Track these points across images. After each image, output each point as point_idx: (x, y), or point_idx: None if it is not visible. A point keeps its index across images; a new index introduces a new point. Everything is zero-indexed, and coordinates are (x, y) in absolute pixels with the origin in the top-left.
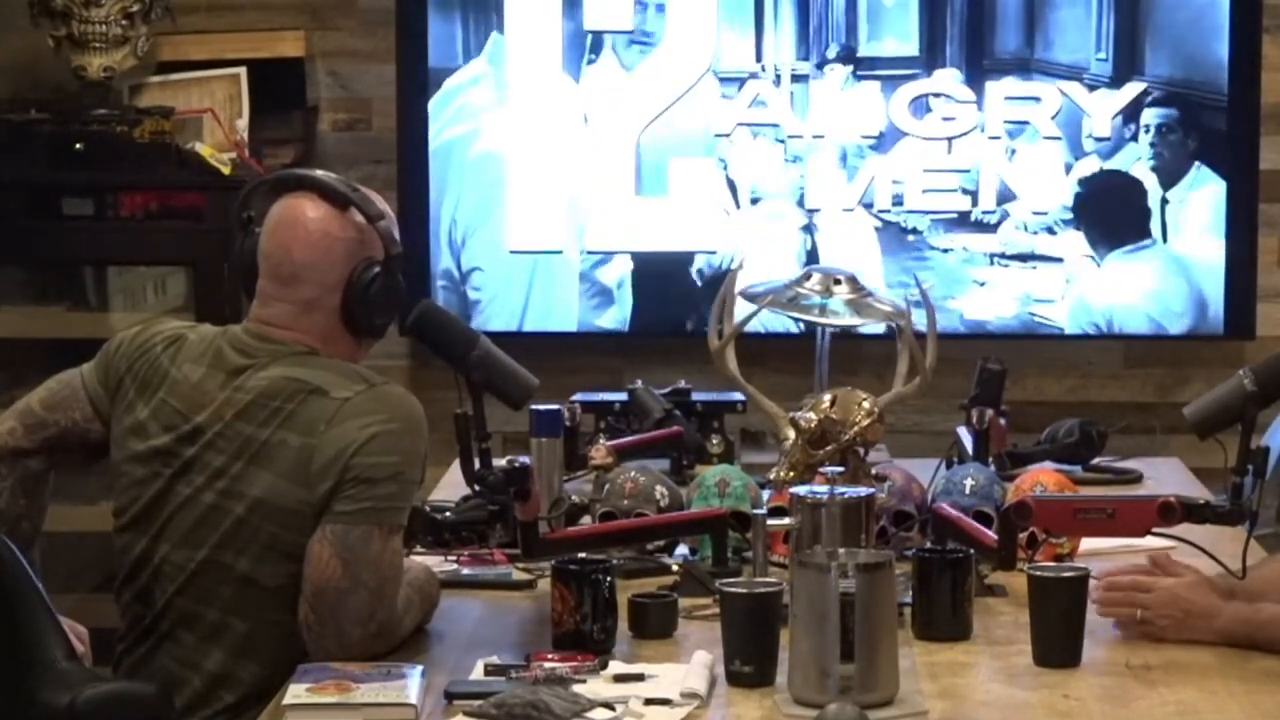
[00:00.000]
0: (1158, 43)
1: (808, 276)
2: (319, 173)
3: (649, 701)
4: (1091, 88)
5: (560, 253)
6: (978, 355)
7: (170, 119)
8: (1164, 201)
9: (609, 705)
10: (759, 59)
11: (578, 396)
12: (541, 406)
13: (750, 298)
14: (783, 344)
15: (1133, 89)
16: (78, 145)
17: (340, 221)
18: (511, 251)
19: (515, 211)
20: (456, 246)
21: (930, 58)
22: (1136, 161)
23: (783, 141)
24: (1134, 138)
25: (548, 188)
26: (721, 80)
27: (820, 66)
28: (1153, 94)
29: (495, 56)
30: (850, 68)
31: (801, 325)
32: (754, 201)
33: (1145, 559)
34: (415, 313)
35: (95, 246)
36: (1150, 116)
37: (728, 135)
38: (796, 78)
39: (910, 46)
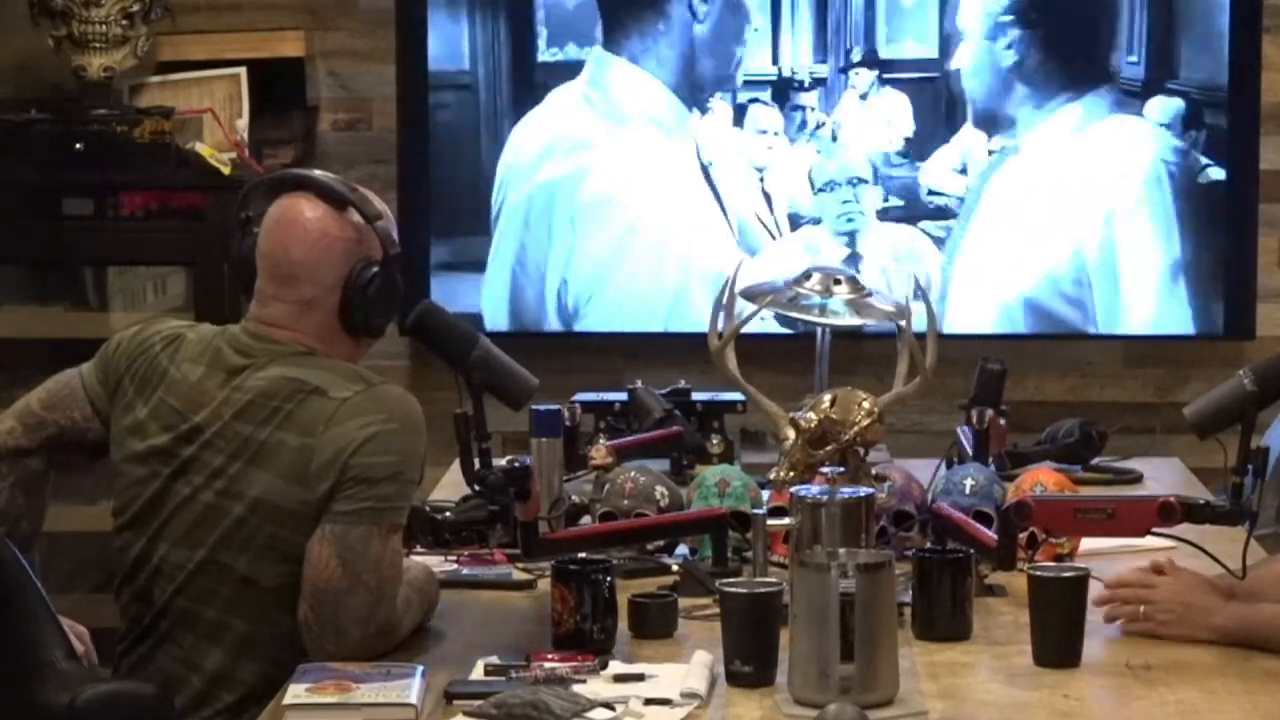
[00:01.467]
0: (1194, 45)
1: (808, 276)
2: (317, 173)
3: (649, 701)
4: (1126, 92)
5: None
6: (978, 355)
7: (170, 119)
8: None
9: (609, 705)
10: (775, 61)
11: (578, 396)
12: (541, 406)
13: (750, 297)
14: (783, 344)
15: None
16: (78, 145)
17: (338, 221)
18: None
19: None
20: (568, 311)
21: (948, 59)
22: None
23: (816, 142)
24: (1195, 145)
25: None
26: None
27: (844, 71)
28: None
29: (597, 77)
30: (876, 71)
31: (801, 325)
32: (792, 216)
33: (1148, 561)
34: (415, 313)
35: (95, 246)
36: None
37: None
38: (815, 81)
39: (930, 49)
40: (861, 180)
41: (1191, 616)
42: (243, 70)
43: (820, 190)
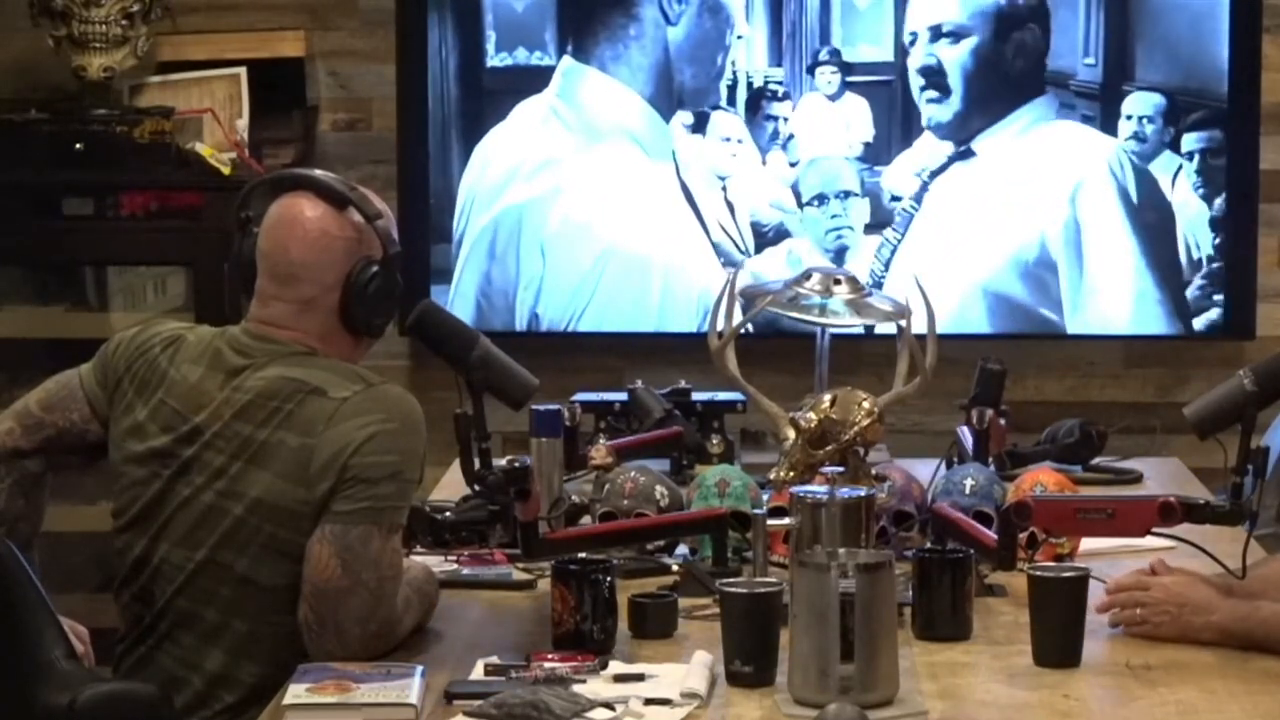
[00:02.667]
0: (1151, 46)
1: (808, 276)
2: (317, 172)
3: (649, 701)
4: (1079, 94)
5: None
6: (978, 355)
7: (170, 119)
8: (1213, 222)
9: (609, 705)
10: (732, 65)
11: (578, 396)
12: (541, 406)
13: (750, 297)
14: (783, 344)
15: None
16: (78, 145)
17: (338, 220)
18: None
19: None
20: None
21: (905, 63)
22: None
23: (784, 149)
24: (1169, 144)
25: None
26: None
27: (810, 71)
28: (1194, 115)
29: (567, 90)
30: (840, 74)
31: (801, 325)
32: (758, 226)
33: (1148, 562)
34: (415, 313)
35: (95, 246)
36: (1191, 142)
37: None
38: (782, 89)
39: (885, 51)
40: (850, 193)
41: (1187, 616)
42: (243, 70)
43: (807, 204)
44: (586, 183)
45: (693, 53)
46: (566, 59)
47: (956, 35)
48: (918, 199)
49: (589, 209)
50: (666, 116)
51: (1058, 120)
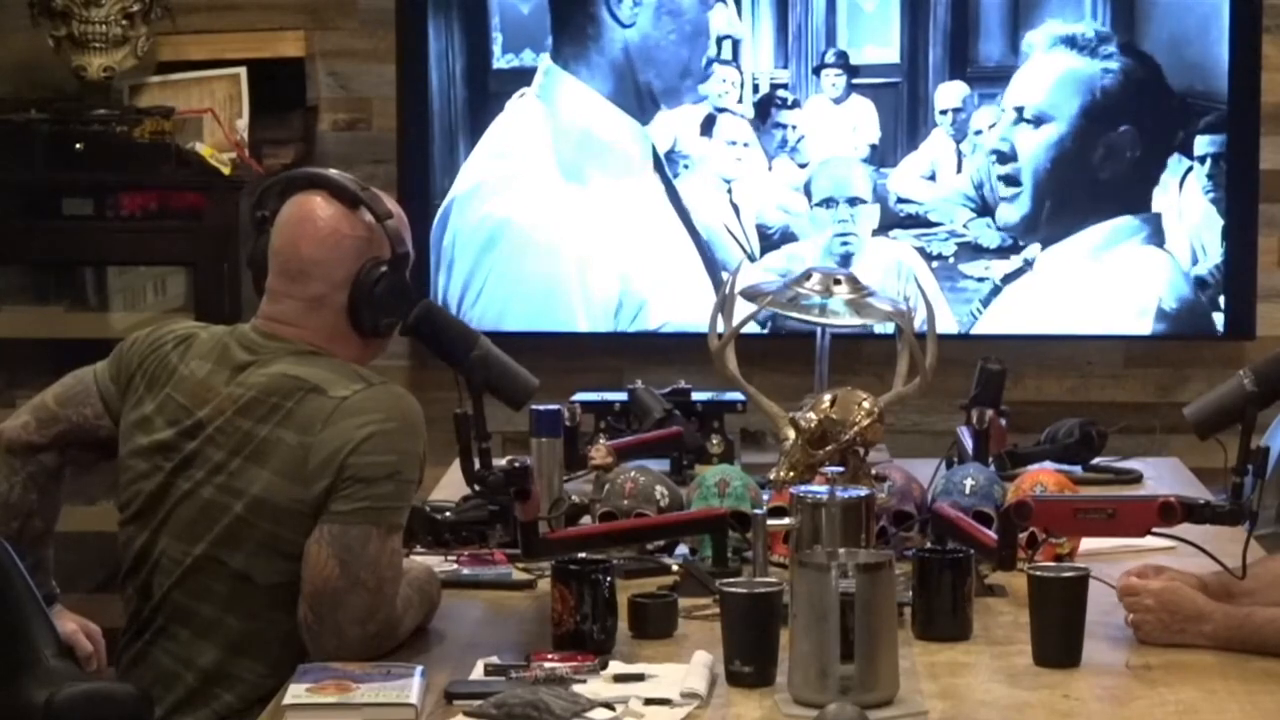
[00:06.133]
0: (1157, 45)
1: (808, 276)
2: (332, 172)
3: (649, 701)
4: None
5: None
6: (978, 355)
7: (170, 119)
8: (1225, 232)
9: (609, 705)
10: (739, 68)
11: (578, 396)
12: (541, 406)
13: (750, 298)
14: (783, 344)
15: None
16: (78, 145)
17: (349, 220)
18: None
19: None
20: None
21: (913, 65)
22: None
23: (792, 151)
24: (1178, 146)
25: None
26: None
27: (817, 72)
28: (1206, 118)
29: (546, 89)
30: (844, 76)
31: (802, 325)
32: (763, 229)
33: (1140, 565)
34: (415, 312)
35: (95, 246)
36: (1203, 145)
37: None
38: (788, 93)
39: (891, 53)
40: (859, 200)
41: (1180, 625)
42: (243, 70)
43: (818, 205)
44: (559, 182)
45: (651, 53)
46: (544, 57)
47: (1039, 120)
48: (985, 303)
49: (556, 208)
50: (640, 118)
51: (1145, 246)
